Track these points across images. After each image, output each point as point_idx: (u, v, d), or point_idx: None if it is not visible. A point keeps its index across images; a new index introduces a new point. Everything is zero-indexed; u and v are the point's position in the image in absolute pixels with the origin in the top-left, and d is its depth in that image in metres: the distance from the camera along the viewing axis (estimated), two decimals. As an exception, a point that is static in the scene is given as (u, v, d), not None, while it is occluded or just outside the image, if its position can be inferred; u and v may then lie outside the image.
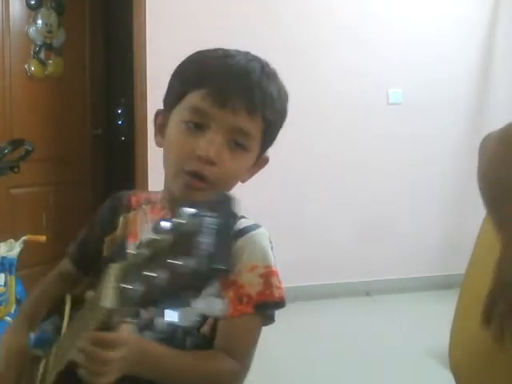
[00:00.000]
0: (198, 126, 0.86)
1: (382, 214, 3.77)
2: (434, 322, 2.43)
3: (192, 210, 0.55)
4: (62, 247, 4.15)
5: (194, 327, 0.89)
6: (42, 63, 3.61)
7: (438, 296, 3.57)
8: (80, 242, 1.09)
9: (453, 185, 3.92)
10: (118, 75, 4.42)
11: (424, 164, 3.88)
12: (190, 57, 0.96)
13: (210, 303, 0.81)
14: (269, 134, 0.92)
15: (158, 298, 0.58)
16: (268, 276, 0.90)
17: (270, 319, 0.93)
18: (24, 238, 2.73)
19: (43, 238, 2.79)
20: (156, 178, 3.59)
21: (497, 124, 1.24)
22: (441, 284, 3.72)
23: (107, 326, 0.69)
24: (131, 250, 0.67)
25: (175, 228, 0.55)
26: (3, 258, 2.63)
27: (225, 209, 0.56)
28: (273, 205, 3.42)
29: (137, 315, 0.65)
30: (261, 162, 0.97)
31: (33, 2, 3.56)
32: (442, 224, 3.94)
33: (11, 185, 3.39)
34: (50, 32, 3.64)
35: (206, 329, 0.90)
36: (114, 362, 0.75)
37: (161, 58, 3.36)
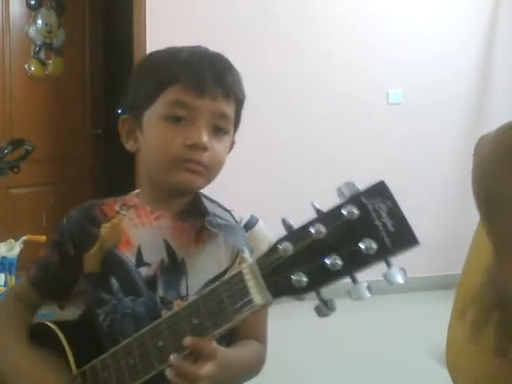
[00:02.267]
0: (179, 119, 0.88)
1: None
2: (434, 322, 2.43)
3: (351, 196, 0.59)
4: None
5: None
6: (42, 63, 3.61)
7: (438, 296, 3.57)
8: (43, 266, 0.99)
9: (453, 184, 3.92)
10: (118, 75, 4.42)
11: (424, 164, 3.88)
12: (148, 60, 0.98)
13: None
14: (239, 114, 0.96)
15: (324, 285, 0.61)
16: None
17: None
18: (24, 237, 2.74)
19: (43, 238, 2.79)
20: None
21: (497, 124, 1.24)
22: (441, 284, 3.72)
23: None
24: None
25: (342, 216, 0.58)
26: (3, 258, 2.63)
27: (382, 192, 0.60)
28: (272, 205, 3.42)
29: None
30: (232, 144, 0.99)
31: (33, 2, 3.56)
32: (442, 224, 3.94)
33: (11, 185, 3.39)
34: (49, 32, 3.65)
35: None
36: (205, 377, 0.74)
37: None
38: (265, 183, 3.50)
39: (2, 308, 1.01)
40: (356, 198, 0.60)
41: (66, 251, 0.97)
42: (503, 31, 3.97)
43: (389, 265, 0.59)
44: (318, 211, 0.62)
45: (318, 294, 0.64)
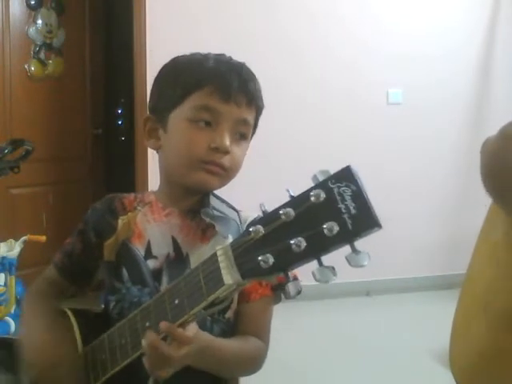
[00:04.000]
0: (205, 122, 0.94)
1: (381, 214, 3.76)
2: (434, 322, 2.43)
3: (320, 181, 0.61)
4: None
5: (219, 313, 0.96)
6: (42, 63, 3.61)
7: (438, 296, 3.57)
8: (67, 252, 1.08)
9: (453, 184, 3.92)
10: (118, 75, 4.42)
11: (424, 164, 3.88)
12: (174, 64, 1.03)
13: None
14: (257, 121, 1.03)
15: (290, 266, 0.63)
16: None
17: (280, 298, 1.01)
18: (24, 237, 2.74)
19: (43, 238, 2.79)
20: (156, 178, 3.60)
21: (497, 124, 1.24)
22: (441, 284, 3.72)
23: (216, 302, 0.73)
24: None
25: (309, 199, 0.61)
26: (3, 258, 2.63)
27: (348, 177, 0.61)
28: (272, 205, 3.42)
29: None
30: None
31: (33, 2, 3.56)
32: (442, 224, 3.94)
33: (11, 185, 3.39)
34: (50, 32, 3.65)
35: (230, 314, 0.99)
36: (178, 359, 0.79)
37: (161, 58, 3.36)
38: (263, 183, 3.50)
39: (33, 290, 1.08)
40: (324, 183, 0.62)
41: (89, 239, 1.04)
42: (503, 31, 3.97)
43: (352, 248, 0.61)
44: (290, 197, 0.65)
45: (286, 275, 0.66)
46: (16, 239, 2.72)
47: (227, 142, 0.93)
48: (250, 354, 0.99)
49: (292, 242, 0.62)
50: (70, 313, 0.99)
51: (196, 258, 0.96)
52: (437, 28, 3.86)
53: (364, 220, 0.60)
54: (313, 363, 2.79)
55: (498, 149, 1.12)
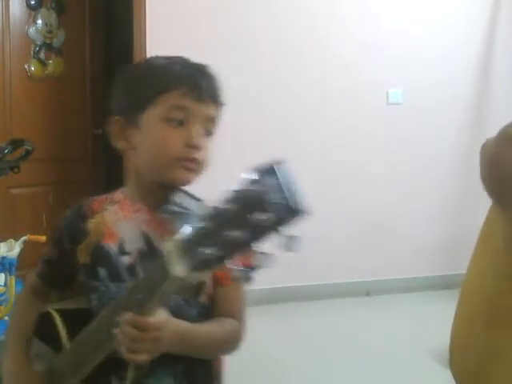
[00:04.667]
0: (178, 121, 1.00)
1: (382, 214, 3.77)
2: (434, 322, 2.43)
3: (252, 177, 0.67)
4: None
5: (192, 298, 1.03)
6: (42, 63, 3.61)
7: (438, 296, 3.58)
8: (46, 260, 1.14)
9: (453, 184, 3.92)
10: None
11: (424, 164, 3.88)
12: (144, 67, 1.09)
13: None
14: (220, 117, 1.08)
15: (233, 255, 0.69)
16: None
17: (251, 280, 1.07)
18: (24, 237, 2.73)
19: (43, 238, 2.79)
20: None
21: (497, 124, 1.24)
22: (441, 284, 3.72)
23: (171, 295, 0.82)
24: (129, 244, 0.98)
25: (245, 193, 0.67)
26: (3, 258, 2.63)
27: (275, 171, 0.68)
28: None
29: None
30: None
31: (33, 2, 3.56)
32: (442, 224, 3.94)
33: (11, 185, 3.39)
34: (50, 32, 3.65)
35: (204, 298, 1.05)
36: (150, 344, 0.87)
37: (161, 57, 3.37)
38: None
39: (18, 302, 1.18)
40: (253, 180, 0.68)
41: (64, 246, 1.09)
42: (503, 31, 3.97)
43: (281, 234, 0.67)
44: (226, 193, 0.69)
45: (232, 263, 0.72)
46: (16, 239, 2.72)
47: (201, 138, 1.00)
48: (225, 335, 1.05)
49: (232, 233, 0.67)
50: (54, 313, 1.06)
51: None
52: (437, 28, 3.86)
53: (290, 208, 0.66)
54: (312, 363, 2.79)
55: (497, 152, 1.13)
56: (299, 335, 3.11)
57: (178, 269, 0.74)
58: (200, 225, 0.71)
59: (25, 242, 2.73)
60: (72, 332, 1.02)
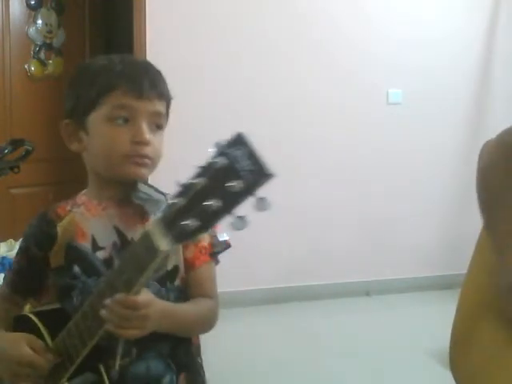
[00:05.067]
0: (123, 119, 1.03)
1: (381, 214, 3.77)
2: (434, 322, 2.43)
3: (219, 149, 0.72)
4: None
5: (169, 282, 1.09)
6: (42, 63, 3.61)
7: (438, 296, 3.58)
8: (15, 270, 1.17)
9: (452, 185, 3.92)
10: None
11: (424, 164, 3.88)
12: (86, 70, 1.12)
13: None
14: (168, 111, 1.12)
15: (213, 223, 0.74)
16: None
17: (218, 261, 1.17)
18: (24, 238, 2.73)
19: (43, 238, 2.79)
20: (155, 177, 3.60)
21: (496, 124, 1.24)
22: (441, 284, 3.72)
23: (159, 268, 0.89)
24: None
25: (214, 166, 0.71)
26: (3, 258, 2.63)
27: (240, 142, 0.72)
28: (272, 205, 3.42)
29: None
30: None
31: (33, 2, 3.56)
32: (442, 224, 3.94)
33: (11, 185, 3.39)
34: (50, 32, 3.65)
35: (178, 282, 1.10)
36: (139, 321, 0.91)
37: (161, 58, 3.36)
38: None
39: None
40: (222, 150, 0.72)
41: (33, 254, 1.12)
42: (503, 32, 3.97)
43: (256, 197, 0.72)
44: (198, 167, 0.74)
45: (210, 231, 0.82)
46: (16, 239, 2.72)
47: (147, 134, 1.03)
48: (203, 313, 1.12)
49: (209, 203, 0.71)
50: (32, 316, 1.08)
51: None
52: (437, 28, 3.85)
53: (260, 173, 0.71)
54: (312, 363, 2.79)
55: (493, 160, 1.12)
56: (299, 335, 3.11)
57: (164, 243, 0.78)
58: (176, 201, 0.75)
59: (25, 242, 2.73)
60: (52, 331, 1.04)
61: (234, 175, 0.70)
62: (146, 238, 0.81)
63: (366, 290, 3.79)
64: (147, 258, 0.82)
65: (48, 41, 3.64)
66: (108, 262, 1.07)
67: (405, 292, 3.73)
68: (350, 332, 3.17)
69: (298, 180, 3.62)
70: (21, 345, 1.00)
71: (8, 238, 2.74)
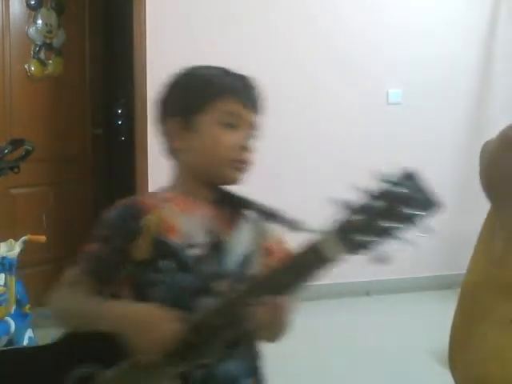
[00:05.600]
0: (231, 125, 1.10)
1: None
2: (434, 322, 2.43)
3: (392, 181, 0.83)
4: (62, 247, 4.16)
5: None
6: (42, 63, 3.61)
7: (438, 296, 3.58)
8: (94, 258, 1.12)
9: (452, 184, 3.92)
10: (118, 75, 4.42)
11: (424, 164, 3.83)
12: (198, 73, 1.18)
13: None
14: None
15: (383, 242, 0.84)
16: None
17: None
18: (24, 237, 2.73)
19: (43, 238, 2.79)
20: (155, 178, 3.60)
21: (496, 124, 1.24)
22: (441, 284, 3.72)
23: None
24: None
25: (392, 193, 0.82)
26: (3, 258, 2.63)
27: (413, 176, 0.84)
28: (272, 205, 3.43)
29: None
30: None
31: (33, 2, 3.56)
32: (442, 224, 3.93)
33: (11, 185, 3.39)
34: (50, 32, 3.65)
35: None
36: (286, 324, 1.02)
37: (161, 58, 3.36)
38: (264, 183, 3.51)
39: (69, 293, 1.11)
40: (395, 182, 0.83)
41: (115, 244, 1.09)
42: (503, 31, 3.97)
43: (422, 225, 0.84)
44: (367, 192, 0.85)
45: (375, 250, 0.86)
46: (16, 239, 2.72)
47: (250, 141, 1.12)
48: None
49: (386, 224, 0.83)
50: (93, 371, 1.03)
51: (230, 243, 1.11)
52: (437, 28, 3.86)
53: (432, 204, 0.84)
54: (312, 363, 2.79)
55: (497, 154, 1.13)
56: (299, 335, 3.10)
57: (337, 253, 0.87)
58: (353, 217, 0.85)
59: (25, 242, 2.73)
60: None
61: (409, 203, 0.82)
62: (318, 245, 0.88)
63: (366, 290, 3.80)
64: (315, 264, 0.89)
65: (48, 41, 3.64)
66: (200, 260, 1.08)
67: (405, 292, 3.73)
68: (350, 332, 3.17)
69: (297, 180, 3.62)
70: (161, 313, 0.98)
71: (8, 238, 2.73)
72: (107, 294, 1.12)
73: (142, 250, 1.08)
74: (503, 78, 4.00)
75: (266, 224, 1.16)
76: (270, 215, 1.11)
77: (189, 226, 1.10)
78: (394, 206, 0.83)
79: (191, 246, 1.08)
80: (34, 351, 1.13)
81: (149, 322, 0.97)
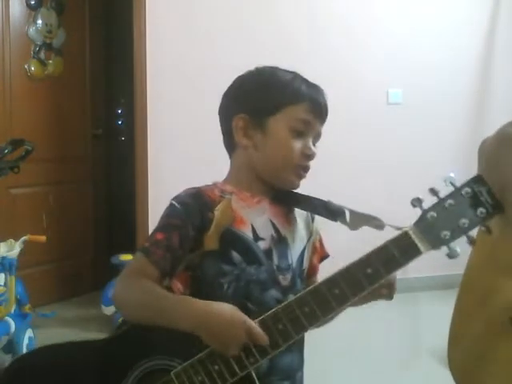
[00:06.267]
0: (300, 132, 1.13)
1: (382, 214, 3.76)
2: (434, 322, 2.43)
3: (464, 183, 0.95)
4: (62, 247, 4.16)
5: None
6: (42, 63, 3.61)
7: (438, 296, 3.58)
8: (165, 247, 1.06)
9: (453, 185, 3.92)
10: (118, 75, 4.42)
11: (424, 163, 3.88)
12: (275, 75, 1.20)
13: None
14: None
15: (458, 237, 0.94)
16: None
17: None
18: (24, 237, 2.73)
19: (43, 238, 2.79)
20: (156, 178, 3.60)
21: (496, 123, 1.24)
22: (441, 284, 3.72)
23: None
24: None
25: (464, 194, 0.94)
26: (3, 258, 2.63)
27: (481, 180, 0.95)
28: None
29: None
30: None
31: (33, 2, 3.56)
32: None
33: (11, 185, 3.39)
34: (49, 32, 3.65)
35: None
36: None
37: (161, 57, 3.36)
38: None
39: (133, 282, 1.06)
40: (467, 184, 0.94)
41: (186, 233, 1.07)
42: (503, 31, 3.97)
43: (486, 226, 0.92)
44: (435, 192, 0.97)
45: (449, 246, 0.96)
46: (16, 239, 2.72)
47: (315, 150, 1.15)
48: None
49: (460, 221, 0.92)
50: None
51: (290, 238, 1.15)
52: (437, 29, 3.86)
53: (497, 207, 0.91)
54: (312, 363, 2.79)
55: (496, 153, 1.14)
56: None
57: (423, 246, 0.95)
58: (432, 213, 0.94)
59: (25, 242, 2.73)
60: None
61: (479, 204, 0.92)
62: (406, 239, 0.96)
63: (366, 290, 3.80)
64: (403, 256, 0.96)
65: (48, 41, 3.64)
66: (268, 253, 1.10)
67: (405, 292, 3.73)
68: (350, 332, 3.17)
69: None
70: (238, 312, 0.97)
71: (8, 238, 2.74)
72: (163, 286, 1.08)
73: (211, 239, 1.08)
74: (503, 78, 4.00)
75: (317, 223, 1.24)
76: (331, 213, 1.17)
77: (255, 218, 1.12)
78: (464, 204, 0.92)
79: (260, 238, 1.10)
80: (89, 346, 1.09)
81: (222, 324, 0.95)
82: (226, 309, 0.96)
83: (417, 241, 0.95)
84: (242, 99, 1.16)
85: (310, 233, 1.22)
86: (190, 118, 3.37)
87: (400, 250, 0.96)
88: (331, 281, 0.97)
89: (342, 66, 3.70)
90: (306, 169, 1.15)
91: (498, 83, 3.99)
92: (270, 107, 1.13)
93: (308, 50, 3.63)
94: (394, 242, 0.97)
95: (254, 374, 0.97)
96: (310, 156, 1.14)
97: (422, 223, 0.95)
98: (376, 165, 3.79)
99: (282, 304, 0.97)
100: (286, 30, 3.59)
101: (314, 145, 1.17)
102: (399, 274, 3.70)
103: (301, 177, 1.15)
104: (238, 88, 1.19)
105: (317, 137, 1.19)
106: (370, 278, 0.97)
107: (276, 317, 0.96)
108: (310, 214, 1.23)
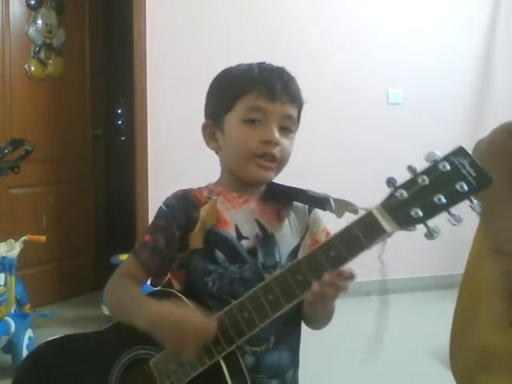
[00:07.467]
0: (255, 121, 1.09)
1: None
2: (434, 322, 2.43)
3: (442, 157, 0.88)
4: (62, 247, 4.16)
5: None
6: (42, 63, 3.61)
7: (438, 296, 3.58)
8: (151, 248, 1.11)
9: (453, 185, 3.92)
10: (118, 75, 4.42)
11: (424, 164, 3.88)
12: (225, 75, 1.18)
13: None
14: (300, 116, 1.18)
15: (433, 216, 0.86)
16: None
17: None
18: (24, 237, 2.73)
19: (43, 238, 2.79)
20: (155, 178, 3.61)
21: (496, 124, 1.24)
22: (441, 284, 3.72)
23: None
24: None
25: (440, 169, 0.87)
26: (3, 258, 2.63)
27: (462, 152, 0.88)
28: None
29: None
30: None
31: (33, 2, 3.56)
32: (442, 224, 3.93)
33: (11, 185, 3.39)
34: (49, 32, 3.65)
35: None
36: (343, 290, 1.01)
37: (161, 57, 3.37)
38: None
39: (118, 282, 1.12)
40: (446, 158, 0.88)
41: (172, 234, 1.10)
42: (503, 30, 3.97)
43: (471, 200, 0.84)
44: (412, 170, 0.90)
45: (426, 224, 0.88)
46: (16, 239, 2.72)
47: (276, 134, 1.08)
48: None
49: (435, 198, 0.85)
50: (179, 294, 1.06)
51: (279, 236, 1.13)
52: (437, 29, 3.86)
53: (483, 179, 0.83)
54: (312, 363, 2.79)
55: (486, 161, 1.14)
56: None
57: (389, 226, 0.88)
58: (401, 191, 0.88)
59: (25, 242, 2.73)
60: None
61: (460, 178, 0.84)
62: (369, 219, 0.89)
63: (365, 290, 3.79)
64: (368, 237, 0.90)
65: (48, 41, 3.64)
66: (252, 252, 1.10)
67: (405, 292, 3.73)
68: (350, 332, 3.17)
69: (296, 180, 3.61)
70: (190, 309, 0.99)
71: (8, 238, 2.74)
72: (159, 285, 1.14)
73: (196, 239, 1.10)
74: (503, 78, 4.00)
75: (315, 216, 1.20)
76: (318, 202, 1.10)
77: (239, 219, 1.12)
78: (440, 181, 0.86)
79: (243, 237, 1.11)
80: (85, 337, 1.17)
81: (172, 324, 0.96)
82: (178, 310, 0.98)
83: (381, 219, 0.89)
84: (205, 106, 1.19)
85: (307, 226, 1.19)
86: (189, 118, 3.37)
87: (363, 231, 0.90)
88: (295, 265, 0.94)
89: (343, 66, 3.70)
90: (268, 156, 1.09)
91: (498, 83, 3.99)
92: (224, 106, 1.12)
93: (308, 51, 3.63)
94: (358, 222, 0.91)
95: (223, 364, 0.98)
96: (269, 142, 1.08)
97: (388, 201, 0.89)
98: (376, 165, 3.78)
99: (250, 292, 0.97)
100: (286, 30, 3.59)
101: (290, 129, 1.13)
102: (399, 274, 3.73)
103: (265, 167, 1.10)
104: (206, 96, 1.20)
105: (285, 119, 1.11)
106: (334, 261, 0.94)
107: (242, 305, 0.97)
108: (306, 208, 1.20)
